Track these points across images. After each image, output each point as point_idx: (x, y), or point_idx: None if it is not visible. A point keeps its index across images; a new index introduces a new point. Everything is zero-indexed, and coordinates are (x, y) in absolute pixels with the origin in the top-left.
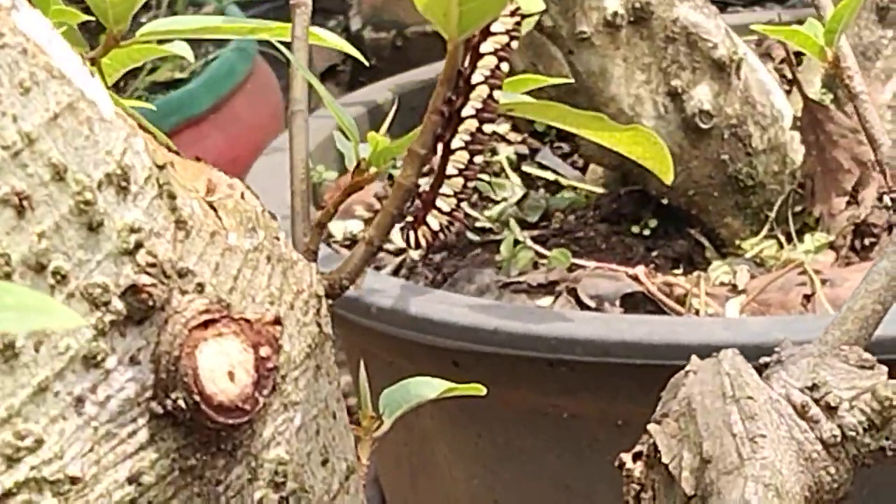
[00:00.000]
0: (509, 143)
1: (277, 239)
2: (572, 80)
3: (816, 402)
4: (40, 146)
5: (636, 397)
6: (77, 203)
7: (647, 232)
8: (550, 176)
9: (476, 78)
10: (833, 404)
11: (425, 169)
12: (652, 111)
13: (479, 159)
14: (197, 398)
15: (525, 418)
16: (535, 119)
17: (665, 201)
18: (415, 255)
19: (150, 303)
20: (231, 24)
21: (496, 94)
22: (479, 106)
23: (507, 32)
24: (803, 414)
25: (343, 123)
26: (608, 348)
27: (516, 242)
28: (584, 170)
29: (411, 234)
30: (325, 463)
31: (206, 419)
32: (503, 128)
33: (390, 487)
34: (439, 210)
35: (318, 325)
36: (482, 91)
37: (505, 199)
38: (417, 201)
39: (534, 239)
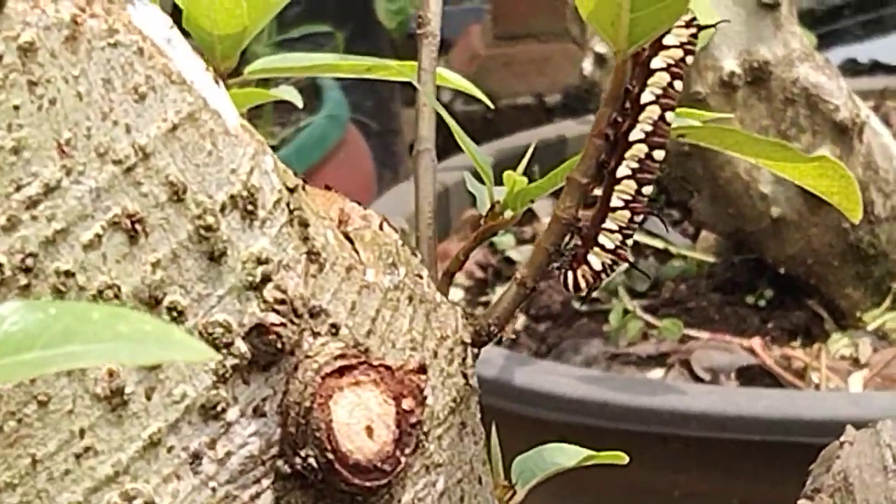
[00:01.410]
0: None
1: (420, 277)
2: (731, 115)
3: None
4: (156, 162)
5: (754, 475)
6: (197, 228)
7: (762, 302)
8: (660, 244)
9: (646, 97)
10: None
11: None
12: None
13: (647, 190)
14: (330, 456)
15: (635, 496)
16: (708, 144)
17: (782, 270)
18: (518, 324)
19: (279, 345)
20: (346, 61)
21: (668, 116)
22: (649, 129)
23: (682, 46)
24: None
25: (478, 162)
26: (725, 423)
27: (625, 312)
28: (694, 238)
29: (570, 274)
30: None
31: (341, 481)
32: None
33: None
34: (602, 247)
35: (464, 376)
36: (653, 112)
37: None
38: (577, 237)
39: (644, 308)
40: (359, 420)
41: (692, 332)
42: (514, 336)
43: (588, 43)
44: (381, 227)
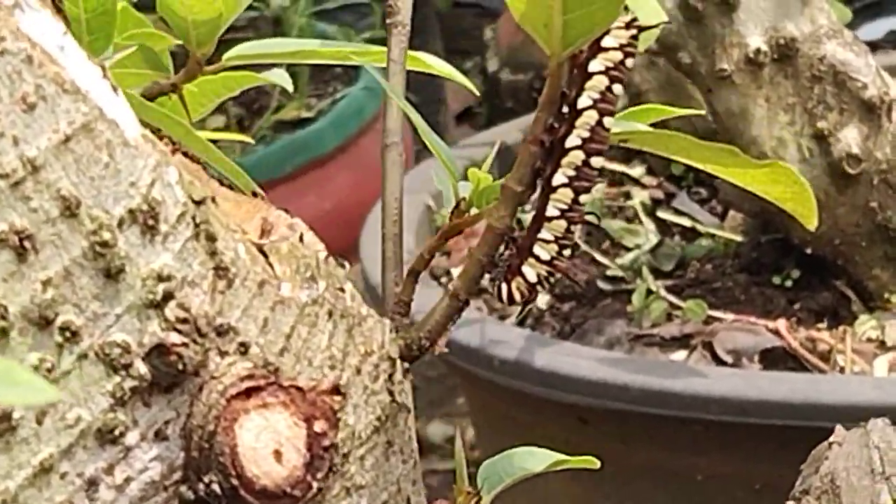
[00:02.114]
0: (644, 187)
1: (342, 290)
2: (703, 112)
3: None
4: (47, 175)
5: (776, 459)
6: (92, 244)
7: (789, 283)
8: (687, 222)
9: (583, 102)
10: None
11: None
12: (796, 155)
13: (585, 198)
14: (235, 482)
15: (656, 479)
16: (669, 157)
17: (809, 251)
18: (542, 304)
19: (180, 366)
20: (328, 48)
21: (606, 121)
22: (587, 135)
23: (621, 48)
24: None
25: (442, 158)
26: (746, 407)
27: (649, 292)
28: (722, 216)
29: (503, 286)
30: None
31: None
32: (638, 171)
33: None
34: (537, 258)
35: (390, 392)
36: (590, 117)
37: (638, 247)
38: (512, 247)
39: (668, 289)
40: (266, 444)
41: (717, 314)
42: (537, 316)
43: None
44: (301, 239)
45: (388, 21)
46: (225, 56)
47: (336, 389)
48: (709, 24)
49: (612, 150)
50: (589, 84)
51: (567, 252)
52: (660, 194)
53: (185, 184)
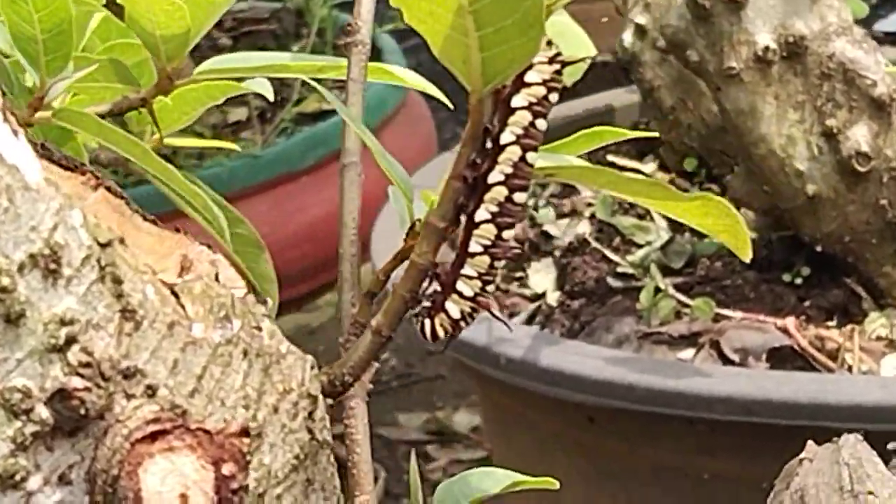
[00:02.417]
0: None
1: (259, 329)
2: (656, 135)
3: None
4: None
5: (782, 459)
6: None
7: (799, 280)
8: None
9: (506, 137)
10: None
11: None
12: (805, 152)
13: (508, 234)
14: None
15: (663, 477)
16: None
17: (819, 248)
18: (552, 300)
19: (83, 411)
20: (299, 62)
21: (530, 156)
22: (510, 171)
23: (545, 83)
24: None
25: (395, 178)
26: (751, 407)
27: (658, 290)
28: None
29: (427, 322)
30: None
31: None
32: (650, 167)
33: None
34: (460, 295)
35: (310, 430)
36: (513, 153)
37: (649, 244)
38: (435, 283)
39: (677, 286)
40: (172, 488)
41: (726, 312)
42: (547, 313)
43: (629, 13)
44: (216, 278)
45: (347, 40)
46: (196, 70)
47: (245, 431)
48: (717, 22)
49: (625, 146)
50: (512, 119)
51: (491, 288)
52: None
53: (91, 226)
